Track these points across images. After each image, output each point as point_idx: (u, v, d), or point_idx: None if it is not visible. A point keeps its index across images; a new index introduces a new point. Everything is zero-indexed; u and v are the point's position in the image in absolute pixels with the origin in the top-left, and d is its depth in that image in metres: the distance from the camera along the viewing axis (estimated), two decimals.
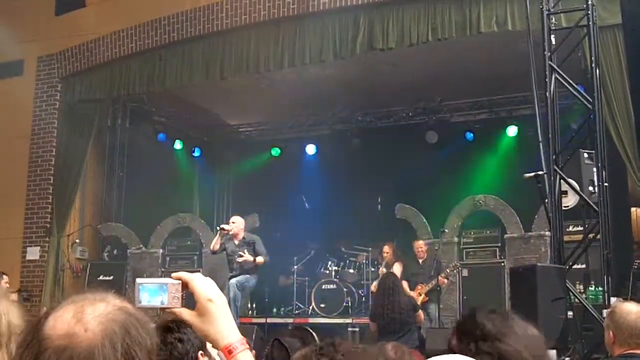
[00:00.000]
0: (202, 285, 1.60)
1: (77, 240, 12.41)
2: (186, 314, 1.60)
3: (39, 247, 12.18)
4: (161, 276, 12.04)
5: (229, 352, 1.57)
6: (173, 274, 1.62)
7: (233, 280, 10.08)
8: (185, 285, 1.60)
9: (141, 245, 12.60)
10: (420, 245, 10.88)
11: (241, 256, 10.01)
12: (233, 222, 10.31)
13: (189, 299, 1.62)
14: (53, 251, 12.11)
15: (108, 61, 12.00)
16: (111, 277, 12.16)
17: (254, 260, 10.01)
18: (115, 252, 12.86)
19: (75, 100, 12.45)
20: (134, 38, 11.71)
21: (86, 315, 1.24)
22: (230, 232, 10.19)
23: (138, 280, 1.61)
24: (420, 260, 10.80)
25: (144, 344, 1.26)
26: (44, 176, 12.37)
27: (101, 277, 12.10)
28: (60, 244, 12.18)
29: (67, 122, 12.46)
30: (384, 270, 10.82)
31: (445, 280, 10.36)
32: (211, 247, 10.44)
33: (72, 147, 12.37)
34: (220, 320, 1.58)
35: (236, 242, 10.24)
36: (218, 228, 10.41)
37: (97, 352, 1.21)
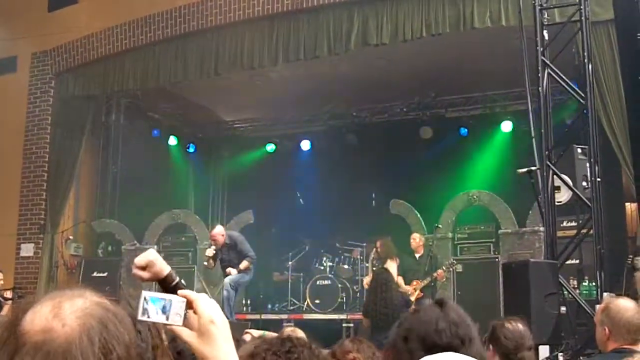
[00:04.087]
0: (206, 306, 1.59)
1: (71, 237, 12.40)
2: (186, 333, 1.59)
3: (33, 244, 12.16)
4: None
5: None
6: (179, 291, 1.61)
7: (227, 279, 10.14)
8: (189, 304, 1.59)
9: (135, 242, 12.58)
10: (414, 238, 10.88)
11: (228, 274, 10.16)
12: (214, 240, 10.45)
13: None
14: (47, 248, 12.09)
15: (102, 57, 11.97)
16: (105, 274, 12.12)
17: (239, 270, 10.13)
18: (109, 248, 12.86)
19: (69, 97, 12.42)
20: (127, 34, 11.68)
21: (63, 311, 1.23)
22: (217, 247, 10.38)
23: (144, 292, 1.59)
24: (417, 256, 10.79)
25: (122, 338, 1.26)
26: (38, 172, 12.35)
27: (95, 274, 12.07)
28: (54, 240, 12.16)
29: (61, 119, 12.44)
30: (374, 264, 10.85)
31: (442, 274, 10.31)
32: (206, 266, 10.74)
33: (66, 144, 12.35)
34: (219, 343, 1.57)
35: (225, 251, 10.41)
36: (204, 262, 10.63)
37: (75, 347, 1.20)
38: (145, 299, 1.58)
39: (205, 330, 1.56)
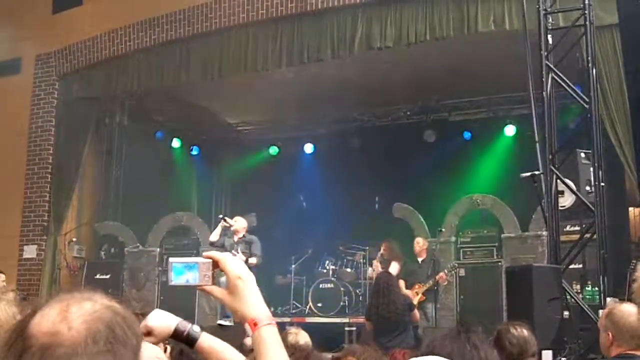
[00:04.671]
0: (232, 264, 1.71)
1: (74, 239, 12.40)
2: (217, 291, 1.72)
3: (36, 246, 12.17)
4: (158, 275, 12.06)
5: (254, 324, 1.66)
6: (204, 253, 1.73)
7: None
8: (215, 264, 1.70)
9: (138, 244, 12.58)
10: (418, 242, 10.87)
11: (235, 253, 9.96)
12: (235, 221, 10.34)
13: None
14: (50, 250, 12.10)
15: (106, 59, 12.00)
16: (108, 276, 12.15)
17: (246, 260, 9.95)
18: (112, 250, 12.85)
19: (73, 99, 12.45)
20: (131, 36, 11.70)
21: (71, 314, 1.24)
22: (231, 228, 10.20)
23: (171, 259, 1.72)
24: (420, 259, 10.78)
25: (129, 343, 1.26)
26: (42, 174, 12.37)
27: (98, 276, 12.10)
28: (58, 242, 12.17)
29: (64, 120, 12.47)
30: (378, 265, 10.86)
31: (444, 276, 10.28)
32: (211, 237, 10.44)
33: (69, 145, 12.37)
34: (248, 296, 1.68)
35: (235, 238, 10.25)
36: (220, 216, 10.46)
37: (80, 350, 1.20)
38: (172, 265, 1.70)
39: (234, 286, 1.69)
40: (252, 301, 1.68)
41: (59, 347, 1.20)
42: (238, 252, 10.00)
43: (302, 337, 4.46)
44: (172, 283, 1.70)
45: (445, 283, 10.54)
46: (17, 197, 12.38)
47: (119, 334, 1.25)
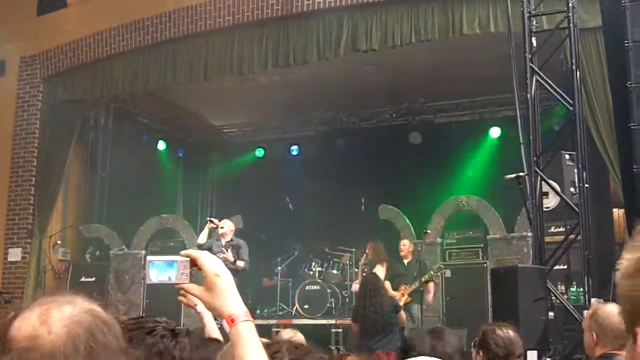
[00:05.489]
0: (210, 261, 1.73)
1: (59, 242, 12.31)
2: (195, 289, 1.73)
3: (20, 249, 12.08)
4: (143, 277, 12.01)
5: (231, 320, 1.68)
6: (182, 252, 1.75)
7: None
8: (193, 262, 1.72)
9: (124, 247, 12.51)
10: (404, 244, 10.89)
11: (224, 253, 9.94)
12: (224, 223, 10.30)
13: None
14: (35, 252, 12.01)
15: (91, 61, 11.93)
16: (93, 279, 12.08)
17: (234, 262, 9.92)
18: (97, 253, 12.77)
19: (57, 101, 12.36)
20: (116, 38, 11.65)
21: (51, 318, 1.23)
22: (218, 230, 10.15)
23: (149, 257, 1.75)
24: (406, 262, 10.80)
25: (109, 347, 1.25)
26: (26, 177, 12.28)
27: (83, 279, 12.03)
28: (42, 245, 12.08)
29: (49, 123, 12.38)
30: (364, 268, 10.86)
31: (431, 292, 10.26)
32: (199, 239, 10.38)
33: (54, 148, 12.29)
34: (225, 293, 1.70)
35: (223, 242, 10.22)
36: (208, 218, 10.43)
37: (59, 354, 1.20)
38: (150, 263, 1.72)
39: (212, 283, 1.71)
40: (229, 298, 1.70)
41: (38, 351, 1.20)
42: (228, 251, 9.98)
43: (286, 338, 4.42)
44: (150, 281, 1.72)
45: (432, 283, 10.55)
46: (1, 199, 12.29)
47: (99, 337, 1.25)
